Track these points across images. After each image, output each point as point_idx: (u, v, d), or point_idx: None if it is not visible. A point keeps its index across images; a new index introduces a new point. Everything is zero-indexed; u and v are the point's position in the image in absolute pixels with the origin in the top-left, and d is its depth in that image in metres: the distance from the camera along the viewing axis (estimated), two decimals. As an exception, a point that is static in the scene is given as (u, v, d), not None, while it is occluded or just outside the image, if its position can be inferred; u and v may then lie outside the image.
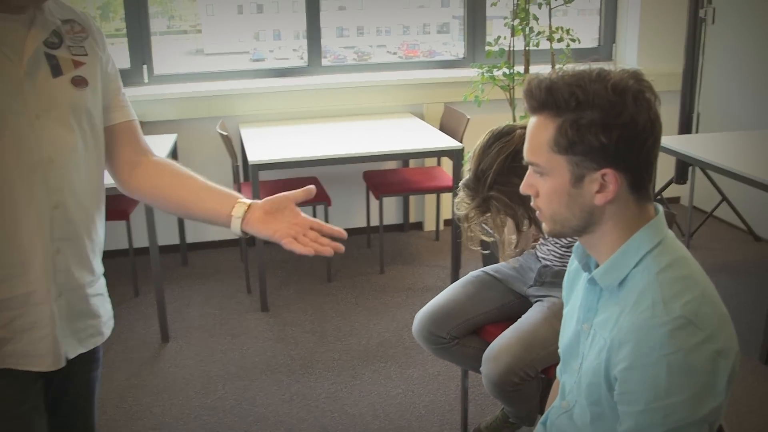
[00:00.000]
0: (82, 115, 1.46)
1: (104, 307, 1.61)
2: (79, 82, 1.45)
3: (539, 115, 1.32)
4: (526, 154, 1.36)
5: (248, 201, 1.56)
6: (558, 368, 1.72)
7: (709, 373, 1.21)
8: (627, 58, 5.03)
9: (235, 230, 1.55)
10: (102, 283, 1.60)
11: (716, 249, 4.52)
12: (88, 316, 1.55)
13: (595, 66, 1.31)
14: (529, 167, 1.37)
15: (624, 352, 1.25)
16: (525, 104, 1.35)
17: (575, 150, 1.28)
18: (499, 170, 2.22)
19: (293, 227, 1.52)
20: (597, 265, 1.44)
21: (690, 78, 4.50)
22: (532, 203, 1.40)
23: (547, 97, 1.28)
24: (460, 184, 2.33)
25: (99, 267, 1.58)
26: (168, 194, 1.63)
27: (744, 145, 3.53)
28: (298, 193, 1.55)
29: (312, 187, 1.55)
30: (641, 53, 4.91)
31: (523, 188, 1.40)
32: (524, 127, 2.33)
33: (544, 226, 1.41)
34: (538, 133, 1.32)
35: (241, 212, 1.54)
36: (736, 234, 4.72)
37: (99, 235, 1.55)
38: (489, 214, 2.31)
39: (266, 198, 1.55)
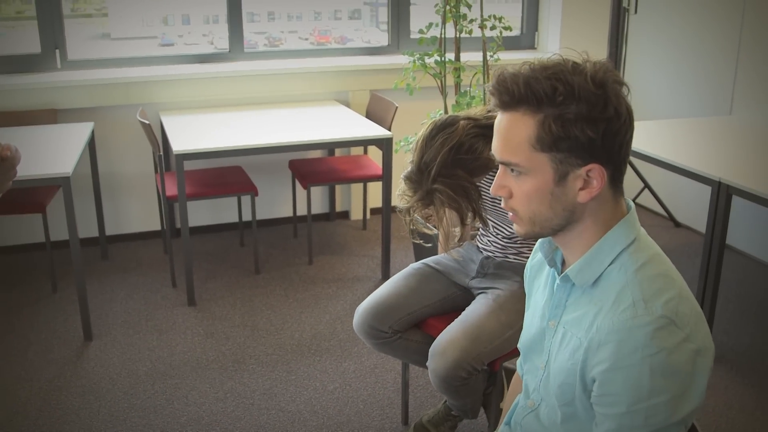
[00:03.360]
0: None
1: None
2: None
3: (513, 111, 1.24)
4: (500, 154, 1.28)
5: None
6: (518, 363, 1.68)
7: (690, 374, 1.19)
8: (550, 46, 5.07)
9: None
10: None
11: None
12: None
13: (562, 59, 1.26)
14: (500, 167, 1.31)
15: (604, 354, 1.22)
16: (493, 101, 1.27)
17: (560, 147, 1.22)
18: (444, 162, 2.18)
19: None
20: (563, 260, 1.41)
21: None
22: (503, 205, 1.33)
23: (526, 92, 1.21)
24: (402, 176, 2.28)
25: None
26: None
27: (664, 134, 3.60)
28: None
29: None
30: (564, 42, 4.95)
31: (495, 190, 1.31)
32: (468, 118, 2.31)
33: (517, 228, 1.33)
34: (514, 130, 1.24)
35: None
36: (657, 220, 4.84)
37: None
38: (432, 207, 2.28)
39: None
